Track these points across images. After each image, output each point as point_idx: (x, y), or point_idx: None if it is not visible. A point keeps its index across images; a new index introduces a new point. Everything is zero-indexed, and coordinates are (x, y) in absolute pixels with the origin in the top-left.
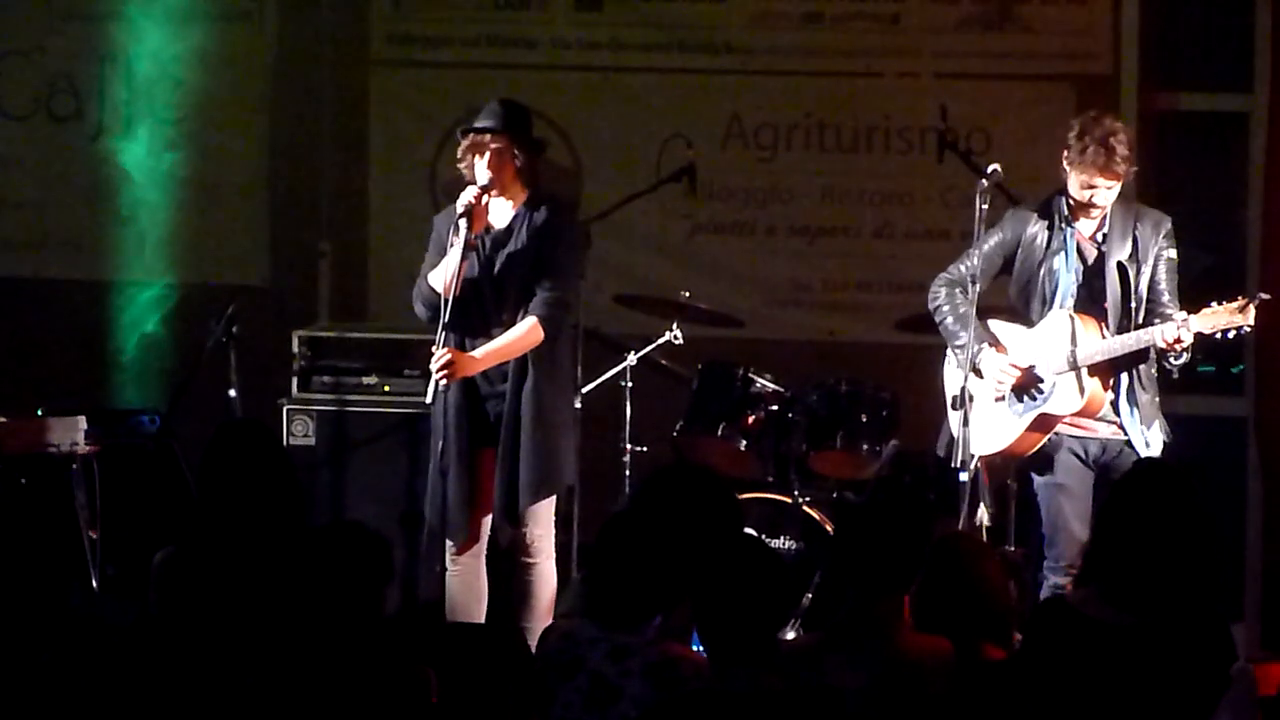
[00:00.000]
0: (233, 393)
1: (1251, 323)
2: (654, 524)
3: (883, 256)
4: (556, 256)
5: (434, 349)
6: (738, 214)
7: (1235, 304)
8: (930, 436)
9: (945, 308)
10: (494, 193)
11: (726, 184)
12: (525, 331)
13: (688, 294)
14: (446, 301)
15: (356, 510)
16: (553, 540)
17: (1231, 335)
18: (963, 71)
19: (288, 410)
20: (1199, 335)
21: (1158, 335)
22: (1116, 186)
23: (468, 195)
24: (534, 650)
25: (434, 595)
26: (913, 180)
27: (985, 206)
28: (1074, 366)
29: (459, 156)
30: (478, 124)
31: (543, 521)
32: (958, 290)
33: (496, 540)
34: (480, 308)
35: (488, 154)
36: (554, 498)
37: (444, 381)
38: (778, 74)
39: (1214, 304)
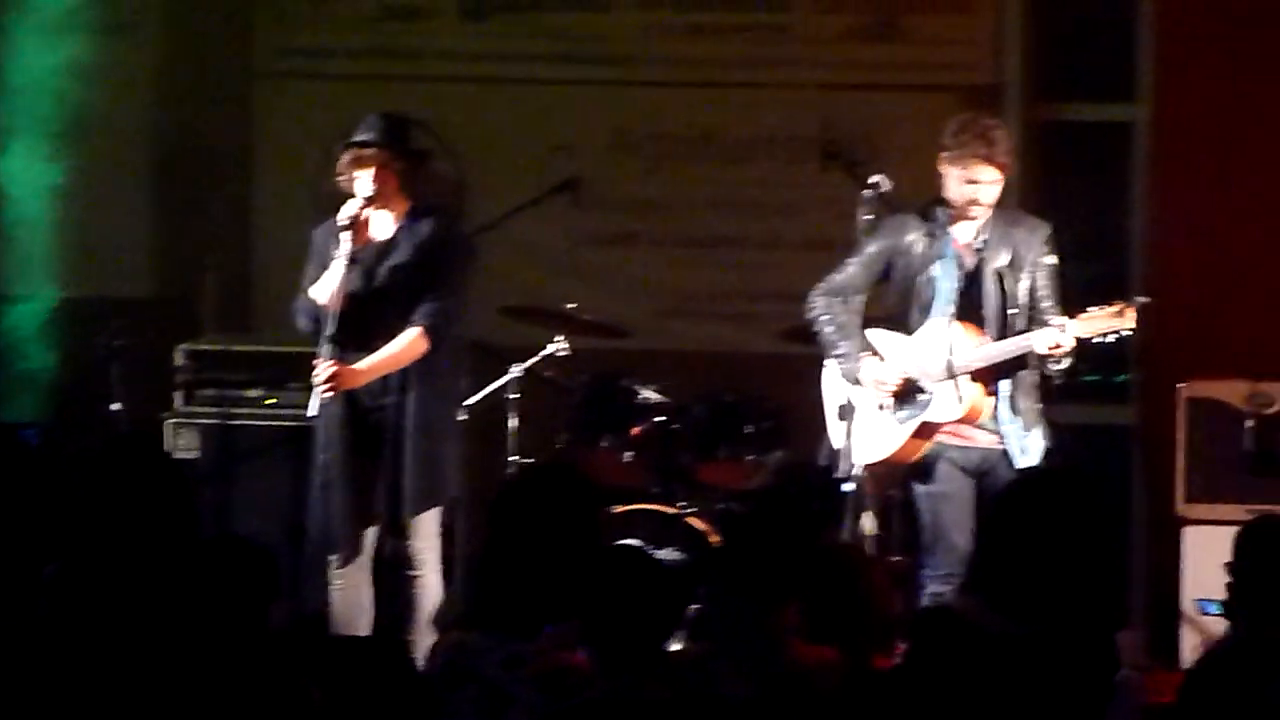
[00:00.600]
0: (116, 406)
1: (1132, 326)
2: (528, 528)
3: (768, 267)
4: (439, 267)
5: (318, 362)
6: (623, 225)
7: (1114, 308)
8: (816, 447)
9: (824, 318)
10: (376, 205)
11: (612, 195)
12: (409, 342)
13: (573, 305)
14: (330, 314)
15: (242, 524)
16: (438, 552)
17: (1112, 339)
18: (847, 82)
19: (171, 424)
20: (1082, 341)
21: (1036, 340)
22: (999, 182)
23: (350, 208)
24: (419, 662)
25: (318, 608)
26: (797, 191)
27: (869, 217)
28: (952, 374)
29: (340, 171)
30: (358, 138)
31: (427, 534)
32: (836, 300)
33: (381, 552)
34: (364, 320)
35: (370, 167)
36: (439, 510)
37: (328, 394)
38: (663, 85)
39: (1093, 308)
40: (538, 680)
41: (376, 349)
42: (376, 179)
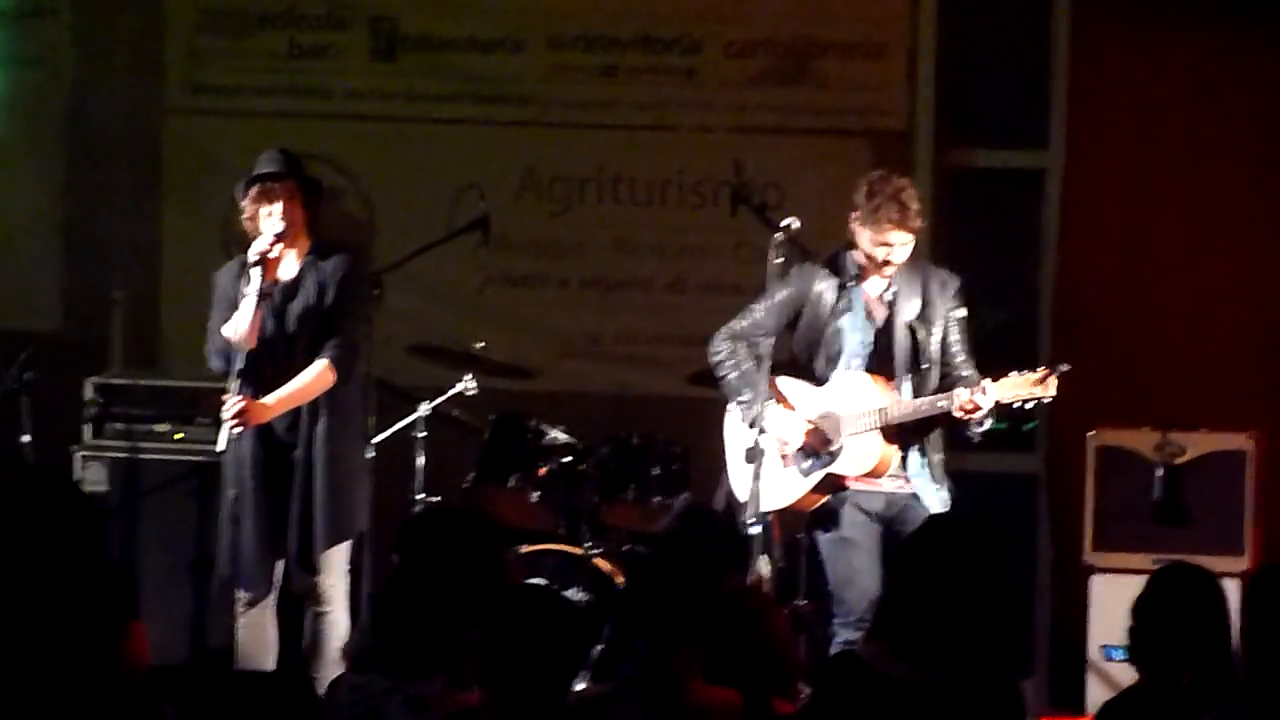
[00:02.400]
0: (25, 438)
1: (1053, 394)
2: (425, 571)
3: (675, 310)
4: (343, 302)
5: (226, 397)
6: (531, 266)
7: (1036, 375)
8: (714, 491)
9: (728, 363)
10: (285, 241)
11: (520, 236)
12: (316, 375)
13: (481, 345)
14: (240, 351)
15: (148, 557)
16: (345, 589)
17: (1030, 406)
18: (758, 126)
19: (80, 456)
20: (1000, 405)
21: (955, 401)
22: (911, 242)
23: (260, 244)
24: (322, 699)
25: (223, 644)
26: (706, 234)
27: (779, 261)
28: (873, 427)
29: (244, 209)
30: (263, 170)
31: (336, 569)
32: (740, 345)
33: (291, 588)
34: (273, 359)
35: (277, 201)
36: (347, 546)
37: (236, 429)
38: (572, 126)
39: (1014, 373)
40: None
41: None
42: (285, 213)
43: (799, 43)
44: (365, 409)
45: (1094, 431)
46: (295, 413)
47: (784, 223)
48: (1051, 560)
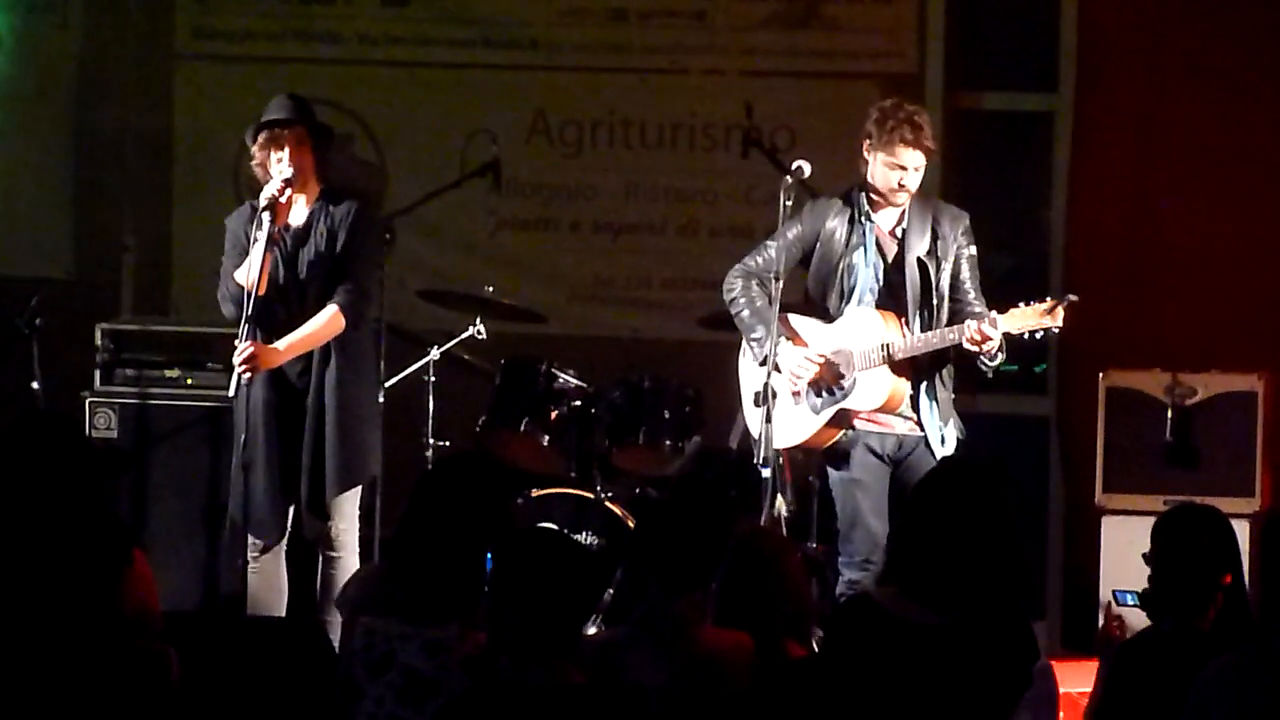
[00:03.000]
0: (35, 385)
1: (1060, 324)
2: (444, 516)
3: (687, 253)
4: (355, 247)
5: (237, 343)
6: (542, 210)
7: (1044, 305)
8: (728, 430)
9: (741, 300)
10: (295, 187)
11: (531, 180)
12: (326, 320)
13: (491, 289)
14: (250, 296)
15: (158, 503)
16: (356, 534)
17: (1040, 336)
18: (768, 69)
19: (90, 403)
20: (1007, 335)
21: (964, 333)
22: (924, 165)
23: (270, 189)
24: (335, 644)
25: (234, 590)
26: (717, 177)
27: (789, 203)
28: (880, 363)
29: (253, 155)
30: (272, 117)
31: (347, 515)
32: (754, 282)
33: (302, 534)
34: (285, 305)
35: (286, 147)
36: (359, 491)
37: (246, 375)
38: (583, 70)
39: (1022, 304)
40: (465, 665)
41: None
42: (293, 159)
43: None
44: (377, 354)
45: (1105, 373)
46: (307, 358)
47: (794, 165)
48: (1063, 503)
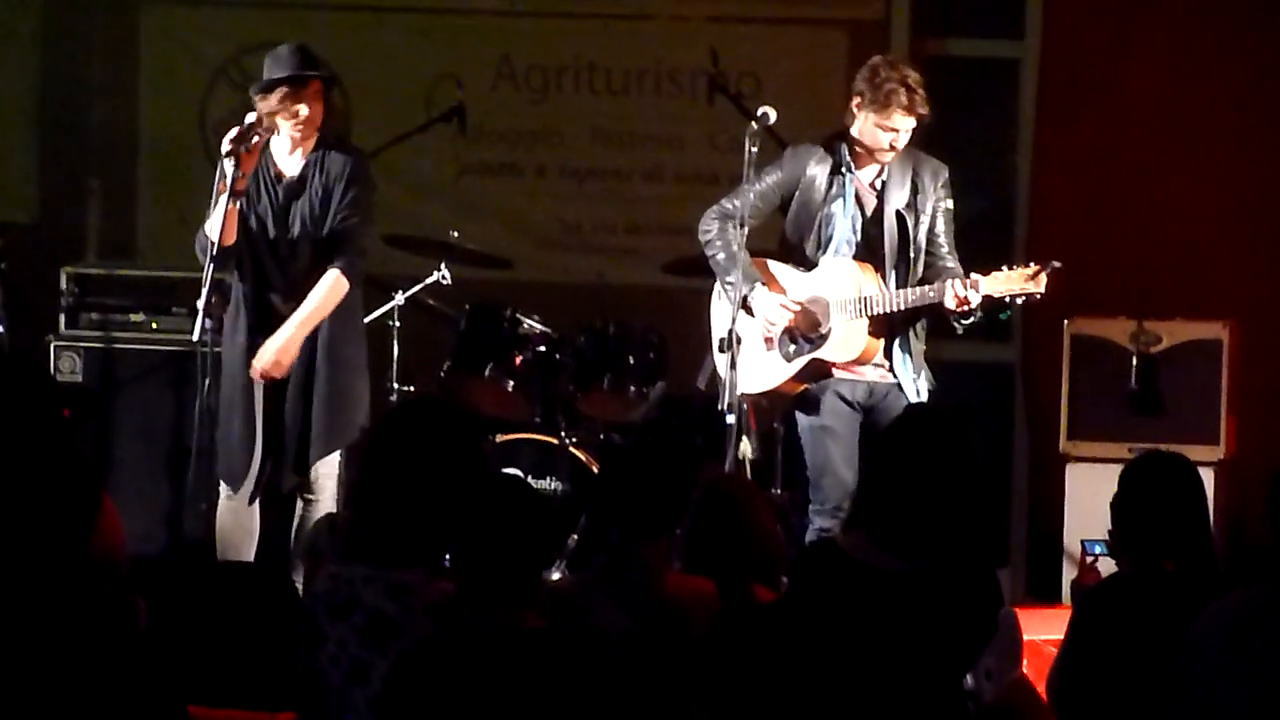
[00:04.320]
0: (0, 329)
1: (1043, 290)
2: (402, 461)
3: (652, 200)
4: (350, 206)
5: (202, 291)
6: (507, 155)
7: (1028, 270)
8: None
9: (717, 242)
10: (299, 139)
11: (496, 125)
12: (330, 288)
13: (456, 234)
14: (213, 248)
15: (123, 448)
16: (336, 480)
17: (1021, 301)
18: (735, 15)
19: (55, 346)
20: (986, 297)
21: (947, 294)
22: (913, 128)
23: (233, 134)
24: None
25: (200, 534)
26: (683, 124)
27: (755, 150)
28: (857, 316)
29: (275, 107)
30: (288, 73)
31: (329, 461)
32: (730, 225)
33: (279, 487)
34: (276, 260)
35: (303, 102)
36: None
37: (208, 321)
38: (549, 15)
39: (1005, 268)
40: (429, 609)
41: (288, 283)
42: (314, 113)
43: None
44: (362, 305)
45: (1069, 321)
46: (282, 311)
47: (760, 112)
48: (1028, 451)
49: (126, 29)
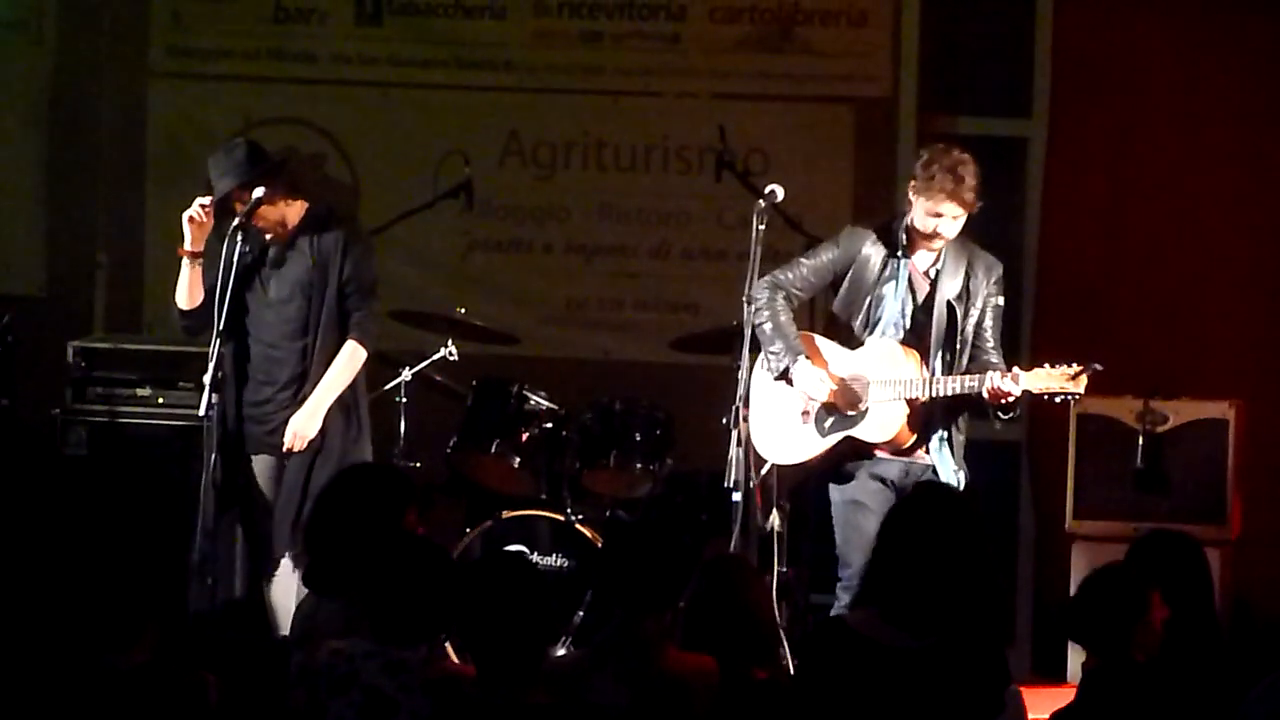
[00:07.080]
0: (4, 401)
1: (1082, 391)
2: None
3: (659, 276)
4: (357, 272)
5: (209, 365)
6: (514, 231)
7: (1070, 370)
8: (704, 456)
9: (765, 311)
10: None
11: (504, 201)
12: (349, 358)
13: (463, 310)
14: (177, 309)
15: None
16: None
17: (1059, 401)
18: (742, 92)
19: (61, 420)
20: (1026, 392)
21: (987, 383)
22: (962, 217)
23: (190, 210)
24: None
25: (203, 608)
26: (690, 200)
27: (762, 227)
28: (896, 398)
29: (238, 209)
30: (221, 186)
31: None
32: (780, 295)
33: (272, 549)
34: (257, 326)
35: (246, 204)
36: None
37: (215, 395)
38: (557, 92)
39: (1047, 365)
40: (426, 687)
41: (281, 345)
42: (272, 213)
43: (783, 8)
44: (365, 393)
45: (1076, 399)
46: (277, 374)
47: (767, 189)
48: (1034, 528)
49: (134, 104)
